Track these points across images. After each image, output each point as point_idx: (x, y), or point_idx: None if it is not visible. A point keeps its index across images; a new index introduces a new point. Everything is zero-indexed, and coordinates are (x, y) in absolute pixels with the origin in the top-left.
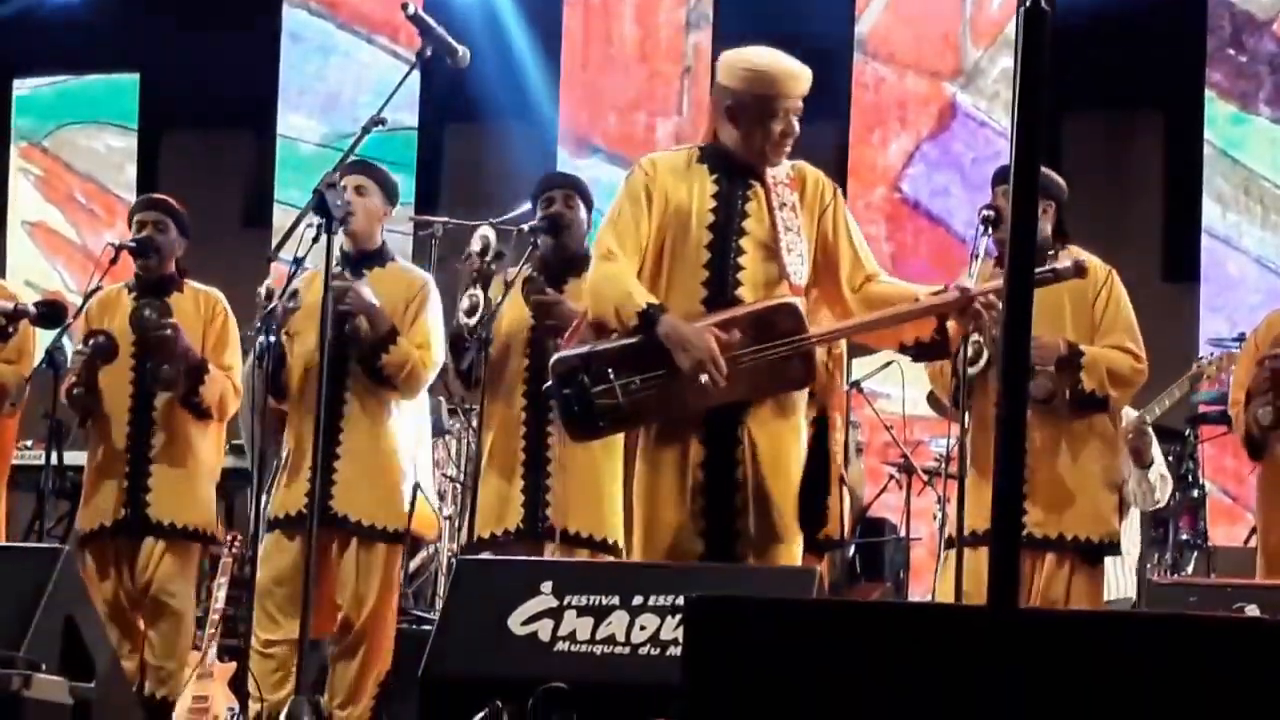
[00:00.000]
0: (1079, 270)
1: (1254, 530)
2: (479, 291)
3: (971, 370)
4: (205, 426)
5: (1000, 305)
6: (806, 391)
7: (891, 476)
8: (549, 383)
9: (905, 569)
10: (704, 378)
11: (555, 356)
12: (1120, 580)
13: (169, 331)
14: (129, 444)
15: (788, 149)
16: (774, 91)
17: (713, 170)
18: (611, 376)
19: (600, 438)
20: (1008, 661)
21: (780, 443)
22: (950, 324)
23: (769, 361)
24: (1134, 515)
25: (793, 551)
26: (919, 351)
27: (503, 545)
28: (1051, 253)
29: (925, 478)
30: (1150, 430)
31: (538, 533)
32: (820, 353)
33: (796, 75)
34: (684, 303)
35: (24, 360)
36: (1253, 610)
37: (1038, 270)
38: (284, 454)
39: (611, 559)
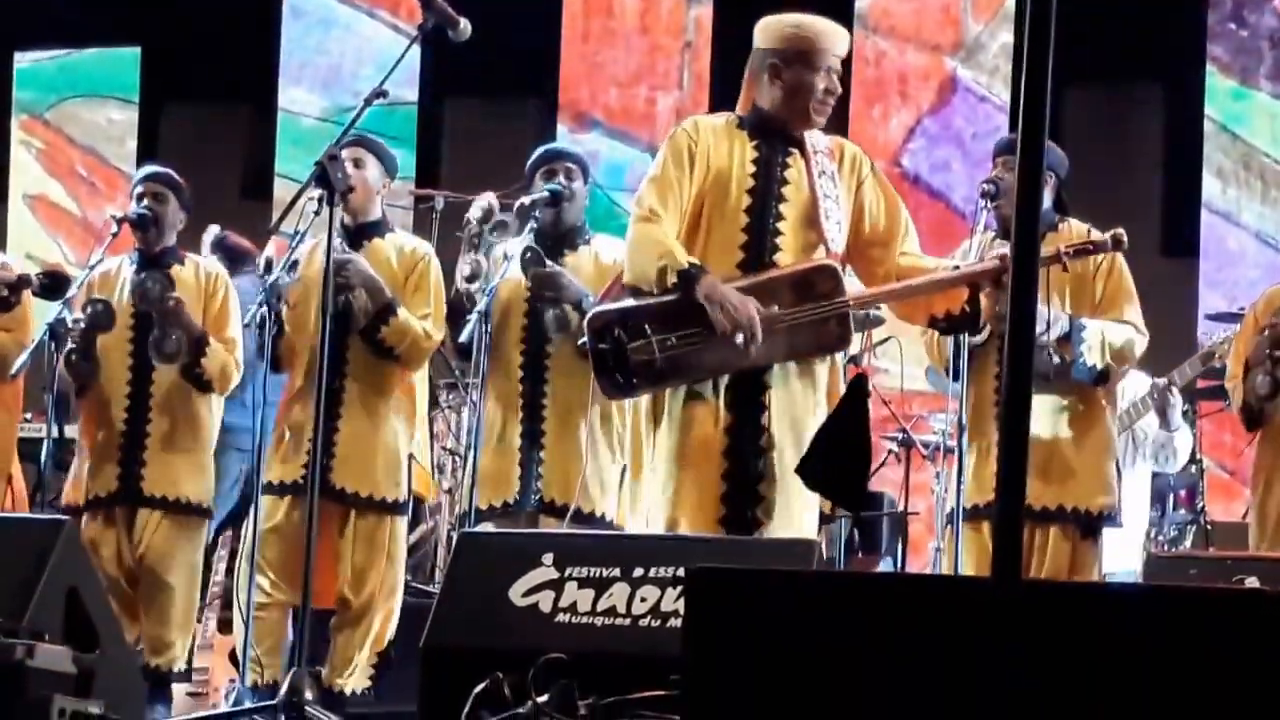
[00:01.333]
0: (1117, 243)
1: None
2: (480, 258)
3: (975, 340)
4: (206, 399)
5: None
6: (829, 358)
7: (890, 451)
8: (584, 338)
9: (903, 543)
10: (739, 338)
11: (592, 311)
12: (1125, 551)
13: (172, 304)
14: (126, 417)
15: (830, 108)
16: (818, 46)
17: (753, 136)
18: (649, 333)
19: (633, 396)
20: (1010, 633)
21: (802, 408)
22: (983, 296)
23: (807, 323)
24: (1143, 487)
25: (808, 519)
26: (949, 324)
27: (500, 517)
28: (1052, 226)
29: (924, 452)
30: (1176, 394)
31: (533, 506)
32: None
33: (838, 32)
34: (720, 266)
35: (22, 329)
36: (1253, 582)
37: (1077, 243)
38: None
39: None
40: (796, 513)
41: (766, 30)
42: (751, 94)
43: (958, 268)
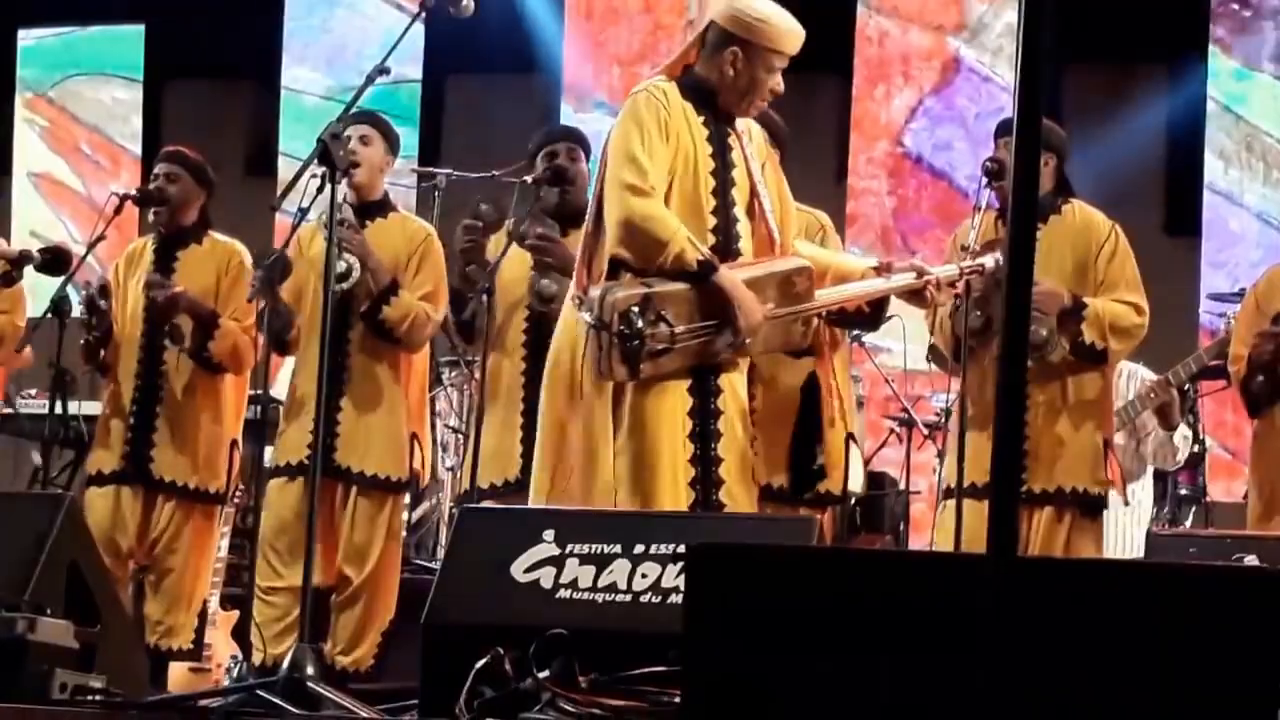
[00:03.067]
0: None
1: None
2: (474, 267)
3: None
4: (218, 381)
5: (949, 289)
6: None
7: (892, 430)
8: (598, 317)
9: (905, 522)
10: (748, 341)
11: (616, 295)
12: (1130, 534)
13: (163, 298)
14: (135, 398)
15: (764, 107)
16: (779, 48)
17: (699, 111)
18: (669, 321)
19: (631, 380)
20: (1007, 609)
21: (743, 388)
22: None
23: (781, 323)
24: (1147, 471)
25: (751, 499)
26: (842, 320)
27: (502, 495)
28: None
29: (926, 432)
30: (1174, 393)
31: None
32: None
33: (799, 34)
34: None
35: (17, 309)
36: (1252, 560)
37: (969, 265)
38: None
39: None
40: (745, 493)
41: (737, 14)
42: (691, 60)
43: (874, 268)
